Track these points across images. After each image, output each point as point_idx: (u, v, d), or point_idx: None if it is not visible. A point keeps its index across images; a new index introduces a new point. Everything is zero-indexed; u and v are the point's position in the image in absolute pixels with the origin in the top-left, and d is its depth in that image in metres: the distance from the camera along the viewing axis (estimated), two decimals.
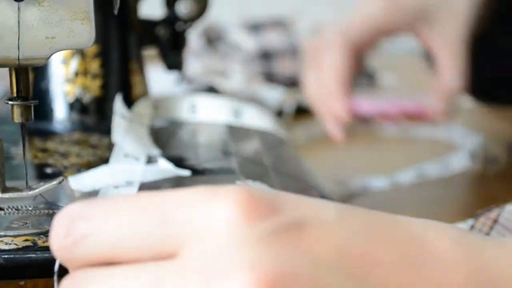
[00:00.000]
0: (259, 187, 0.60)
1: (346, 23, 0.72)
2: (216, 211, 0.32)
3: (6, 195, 0.53)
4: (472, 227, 0.59)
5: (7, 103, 0.53)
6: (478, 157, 0.86)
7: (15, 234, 0.52)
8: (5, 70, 0.53)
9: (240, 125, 0.81)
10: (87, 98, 0.77)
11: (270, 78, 1.22)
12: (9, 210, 0.56)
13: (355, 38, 0.71)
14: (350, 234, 0.33)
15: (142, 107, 0.76)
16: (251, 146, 0.76)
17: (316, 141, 0.98)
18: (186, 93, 0.95)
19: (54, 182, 0.54)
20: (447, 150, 0.90)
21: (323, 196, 0.66)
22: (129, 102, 0.75)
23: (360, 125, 0.74)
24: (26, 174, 0.54)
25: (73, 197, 0.59)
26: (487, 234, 0.58)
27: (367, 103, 0.71)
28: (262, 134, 0.80)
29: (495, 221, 0.59)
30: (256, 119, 0.82)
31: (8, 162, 0.63)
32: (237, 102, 0.84)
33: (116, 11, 0.54)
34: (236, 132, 0.78)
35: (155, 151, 0.67)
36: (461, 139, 0.93)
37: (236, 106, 0.82)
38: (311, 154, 0.91)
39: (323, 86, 0.69)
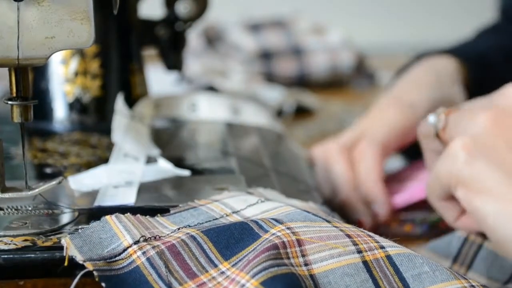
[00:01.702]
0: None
1: (371, 131, 0.75)
2: None
3: (6, 195, 0.53)
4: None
5: (7, 103, 0.53)
6: None
7: (15, 234, 0.52)
8: (5, 70, 0.53)
9: (239, 123, 0.81)
10: (86, 98, 0.77)
11: (270, 78, 1.22)
12: (9, 210, 0.56)
13: (383, 145, 0.76)
14: None
15: (143, 107, 0.76)
16: (250, 144, 0.76)
17: (315, 139, 0.98)
18: (186, 92, 0.95)
19: (54, 182, 0.54)
20: None
21: (323, 196, 0.66)
22: (129, 102, 0.75)
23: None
24: (26, 174, 0.54)
25: (73, 197, 0.59)
26: (485, 236, 0.58)
27: (399, 197, 0.74)
28: (260, 131, 0.80)
29: None
30: (254, 116, 0.82)
31: (8, 162, 0.63)
32: (236, 99, 0.84)
33: (116, 11, 0.54)
34: (235, 131, 0.78)
35: (155, 151, 0.67)
36: None
37: (235, 104, 0.83)
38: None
39: (360, 186, 0.73)
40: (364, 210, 0.71)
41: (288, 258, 0.46)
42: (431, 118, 0.60)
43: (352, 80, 1.28)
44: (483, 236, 0.58)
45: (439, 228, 0.66)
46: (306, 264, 0.47)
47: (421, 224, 0.67)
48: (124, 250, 0.48)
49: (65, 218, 0.55)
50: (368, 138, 0.75)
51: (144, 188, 0.60)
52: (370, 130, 0.76)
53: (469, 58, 0.81)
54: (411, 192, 0.72)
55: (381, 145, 0.74)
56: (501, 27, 0.91)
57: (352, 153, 0.75)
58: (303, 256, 0.47)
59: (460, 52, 0.82)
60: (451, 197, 0.58)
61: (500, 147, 0.53)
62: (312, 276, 0.46)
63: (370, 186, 0.71)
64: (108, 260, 0.48)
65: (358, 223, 0.69)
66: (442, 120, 0.60)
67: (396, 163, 0.86)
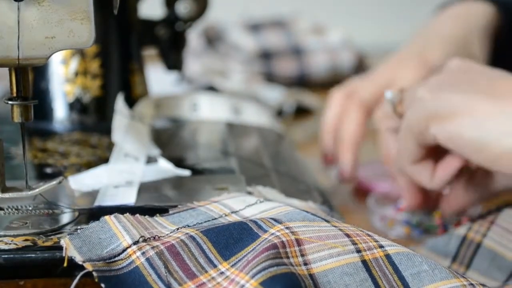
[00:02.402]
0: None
1: (366, 88, 0.79)
2: None
3: (6, 195, 0.53)
4: (469, 229, 0.59)
5: (7, 103, 0.53)
6: None
7: (15, 234, 0.52)
8: (5, 70, 0.53)
9: (240, 123, 0.81)
10: (87, 98, 0.77)
11: (270, 78, 1.22)
12: (9, 210, 0.56)
13: (370, 107, 0.80)
14: None
15: (143, 106, 0.76)
16: (251, 144, 0.76)
17: (315, 139, 0.98)
18: (186, 92, 0.95)
19: (54, 182, 0.54)
20: None
21: (323, 196, 0.66)
22: (130, 102, 0.75)
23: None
24: (26, 174, 0.55)
25: (73, 197, 0.59)
26: (484, 235, 0.58)
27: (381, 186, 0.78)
28: (261, 131, 0.80)
29: (492, 222, 0.59)
30: (255, 116, 0.83)
31: (8, 162, 0.63)
32: (236, 99, 0.84)
33: (116, 11, 0.54)
34: (235, 131, 0.78)
35: (155, 151, 0.67)
36: None
37: (235, 104, 0.83)
38: (309, 150, 0.92)
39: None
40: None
41: (288, 257, 0.46)
42: (388, 94, 0.65)
43: None
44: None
45: (435, 234, 0.66)
46: (305, 264, 0.47)
47: (417, 227, 0.68)
48: (124, 250, 0.48)
49: (66, 218, 0.55)
50: (358, 96, 0.78)
51: (144, 188, 0.60)
52: (365, 87, 0.79)
53: (504, 5, 0.83)
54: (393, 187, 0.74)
55: (368, 107, 0.78)
56: None
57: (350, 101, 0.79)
58: (302, 255, 0.47)
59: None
60: (422, 157, 0.63)
61: (456, 82, 0.60)
62: (311, 276, 0.46)
63: (343, 148, 0.77)
64: (107, 261, 0.48)
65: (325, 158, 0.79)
66: (398, 95, 0.65)
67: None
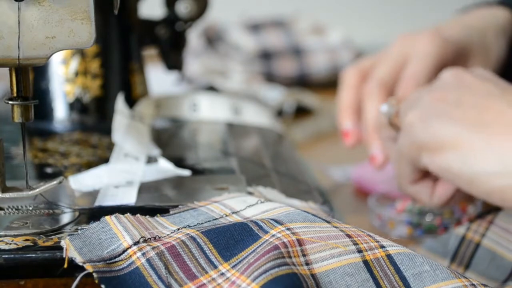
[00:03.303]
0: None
1: (382, 69, 0.77)
2: None
3: (6, 195, 0.53)
4: (468, 229, 0.59)
5: (7, 103, 0.53)
6: None
7: (15, 234, 0.52)
8: (6, 70, 0.53)
9: (240, 123, 0.81)
10: (87, 98, 0.77)
11: (270, 78, 1.22)
12: (9, 210, 0.56)
13: (389, 87, 0.77)
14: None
15: (143, 106, 0.76)
16: (251, 144, 0.76)
17: (315, 139, 0.98)
18: (186, 92, 0.95)
19: (54, 182, 0.54)
20: None
21: (323, 196, 0.66)
22: (130, 102, 0.75)
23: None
24: (26, 174, 0.54)
25: (73, 197, 0.59)
26: (483, 235, 0.58)
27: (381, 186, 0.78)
28: (261, 131, 0.80)
29: (491, 222, 0.59)
30: (255, 116, 0.83)
31: (8, 162, 0.63)
32: (236, 99, 0.84)
33: (116, 11, 0.54)
34: (235, 131, 0.78)
35: (156, 151, 0.67)
36: None
37: (235, 104, 0.83)
38: (309, 150, 0.92)
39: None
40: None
41: (290, 257, 0.46)
42: (384, 107, 0.65)
43: None
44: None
45: (436, 234, 0.67)
46: (307, 264, 0.47)
47: (418, 227, 0.68)
48: (124, 251, 0.48)
49: (66, 218, 0.55)
50: (376, 77, 0.76)
51: (144, 188, 0.60)
52: (382, 66, 0.76)
53: None
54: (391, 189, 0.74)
55: (387, 87, 0.75)
56: None
57: (365, 79, 0.78)
58: (304, 255, 0.47)
59: None
60: (420, 177, 0.63)
61: (447, 108, 0.59)
62: (313, 276, 0.46)
63: (370, 132, 0.74)
64: (108, 261, 0.48)
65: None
66: (394, 107, 0.65)
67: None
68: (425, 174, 0.63)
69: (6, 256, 0.49)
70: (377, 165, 0.74)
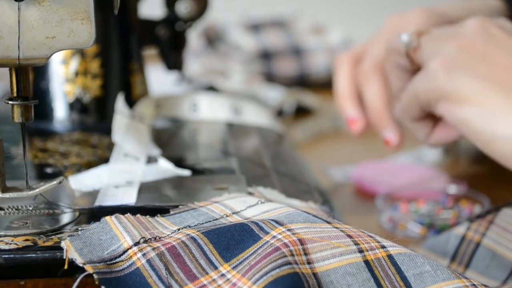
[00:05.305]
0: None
1: (375, 48, 0.76)
2: None
3: (6, 195, 0.53)
4: (468, 229, 0.59)
5: (7, 103, 0.53)
6: (450, 149, 0.88)
7: (16, 234, 0.52)
8: (6, 70, 0.53)
9: (240, 123, 0.81)
10: (87, 98, 0.77)
11: (270, 78, 1.22)
12: (10, 210, 0.56)
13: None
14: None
15: (143, 106, 0.76)
16: (251, 145, 0.76)
17: (315, 139, 0.98)
18: (186, 92, 0.95)
19: (54, 182, 0.54)
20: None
21: (323, 196, 0.66)
22: (130, 102, 0.75)
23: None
24: (26, 174, 0.54)
25: (73, 197, 0.59)
26: (483, 234, 0.58)
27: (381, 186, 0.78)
28: (261, 131, 0.80)
29: (491, 222, 0.59)
30: (255, 116, 0.83)
31: (8, 162, 0.63)
32: (236, 99, 0.84)
33: (116, 11, 0.54)
34: (235, 131, 0.78)
35: (156, 151, 0.67)
36: None
37: (235, 104, 0.83)
38: (309, 150, 0.92)
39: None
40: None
41: (293, 255, 0.46)
42: (405, 37, 0.64)
43: None
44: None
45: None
46: (309, 263, 0.47)
47: (430, 228, 0.68)
48: (124, 251, 0.48)
49: (66, 218, 0.55)
50: (371, 58, 0.75)
51: (144, 188, 0.60)
52: (375, 46, 0.76)
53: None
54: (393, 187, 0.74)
55: (383, 67, 0.74)
56: None
57: (359, 64, 0.77)
58: (305, 254, 0.47)
59: None
60: (424, 116, 0.63)
61: (473, 61, 0.59)
62: (315, 275, 0.46)
63: (377, 115, 0.74)
64: (108, 262, 0.48)
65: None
66: (414, 40, 0.64)
67: (399, 160, 0.86)
68: (429, 114, 0.63)
69: (6, 256, 0.49)
70: (392, 147, 0.73)
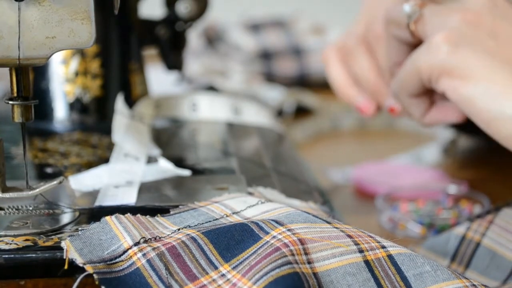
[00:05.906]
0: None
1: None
2: None
3: (7, 195, 0.53)
4: (468, 229, 0.59)
5: (7, 103, 0.53)
6: (450, 149, 0.88)
7: (16, 234, 0.52)
8: (6, 70, 0.53)
9: (240, 123, 0.81)
10: (87, 98, 0.77)
11: (270, 78, 1.22)
12: (10, 210, 0.56)
13: (341, 48, 0.75)
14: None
15: (143, 106, 0.76)
16: (251, 145, 0.76)
17: (315, 139, 0.98)
18: (186, 92, 0.95)
19: (55, 182, 0.54)
20: (425, 142, 0.92)
21: (323, 196, 0.66)
22: (130, 102, 0.75)
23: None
24: (26, 174, 0.54)
25: (74, 197, 0.59)
26: (483, 234, 0.58)
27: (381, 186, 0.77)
28: (261, 131, 0.80)
29: (491, 222, 0.59)
30: (255, 116, 0.83)
31: (8, 162, 0.63)
32: (236, 99, 0.84)
33: (116, 11, 0.54)
34: (235, 131, 0.78)
35: (156, 151, 0.67)
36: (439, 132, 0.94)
37: (235, 104, 0.83)
38: (309, 150, 0.92)
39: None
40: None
41: (293, 255, 0.46)
42: (407, 7, 0.60)
43: None
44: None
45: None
46: (309, 262, 0.47)
47: (430, 228, 0.68)
48: (124, 251, 0.48)
49: (66, 218, 0.55)
50: (352, 36, 0.73)
51: (144, 188, 0.60)
52: (355, 29, 0.73)
53: None
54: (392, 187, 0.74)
55: (338, 48, 0.73)
56: None
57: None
58: (306, 254, 0.47)
59: None
60: (421, 93, 0.60)
61: (480, 36, 0.56)
62: (315, 275, 0.46)
63: (373, 88, 0.71)
64: (108, 262, 0.48)
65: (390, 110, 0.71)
66: (417, 11, 0.60)
67: (399, 160, 0.86)
68: (427, 91, 0.60)
69: (6, 256, 0.49)
70: (395, 115, 0.71)
